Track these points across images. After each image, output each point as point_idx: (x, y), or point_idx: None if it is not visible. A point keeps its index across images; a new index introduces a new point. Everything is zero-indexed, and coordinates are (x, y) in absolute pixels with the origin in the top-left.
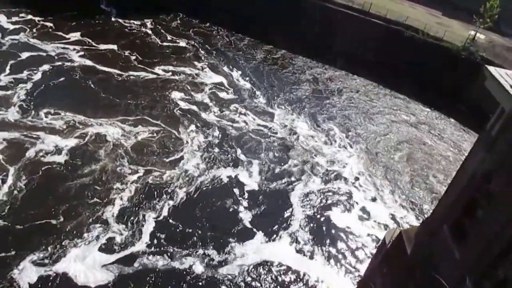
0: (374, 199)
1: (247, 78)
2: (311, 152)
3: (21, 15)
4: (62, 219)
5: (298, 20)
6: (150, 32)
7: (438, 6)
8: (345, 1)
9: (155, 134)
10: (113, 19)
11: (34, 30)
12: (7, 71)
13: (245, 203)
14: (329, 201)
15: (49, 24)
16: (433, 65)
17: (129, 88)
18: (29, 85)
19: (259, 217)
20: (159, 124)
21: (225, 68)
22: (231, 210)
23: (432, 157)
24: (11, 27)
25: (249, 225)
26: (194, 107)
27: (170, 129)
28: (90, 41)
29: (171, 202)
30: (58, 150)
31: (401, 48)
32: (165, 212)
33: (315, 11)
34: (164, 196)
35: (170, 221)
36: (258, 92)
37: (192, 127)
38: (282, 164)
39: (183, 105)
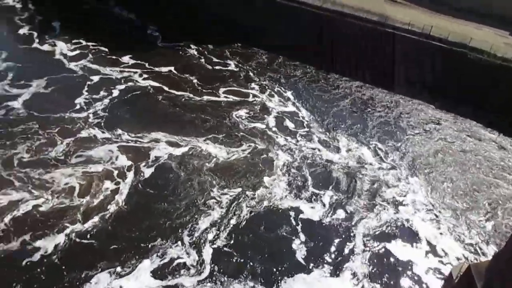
0: (440, 231)
1: (306, 103)
2: (376, 182)
3: (74, 41)
4: (137, 235)
5: (355, 45)
6: (197, 54)
7: (506, 27)
8: (402, 24)
9: (223, 156)
10: (159, 44)
11: (92, 55)
12: (84, 93)
13: (303, 235)
14: (392, 233)
15: (103, 49)
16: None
17: (194, 109)
18: (102, 107)
19: (318, 250)
20: (227, 146)
21: (281, 92)
22: (289, 240)
23: (506, 189)
24: (72, 53)
25: (306, 258)
26: (256, 131)
27: (236, 152)
28: (145, 64)
29: (229, 228)
30: (135, 169)
31: (464, 71)
32: (223, 237)
33: (374, 37)
34: (224, 220)
35: (226, 249)
36: (320, 119)
37: (257, 151)
38: (345, 194)
39: (246, 127)
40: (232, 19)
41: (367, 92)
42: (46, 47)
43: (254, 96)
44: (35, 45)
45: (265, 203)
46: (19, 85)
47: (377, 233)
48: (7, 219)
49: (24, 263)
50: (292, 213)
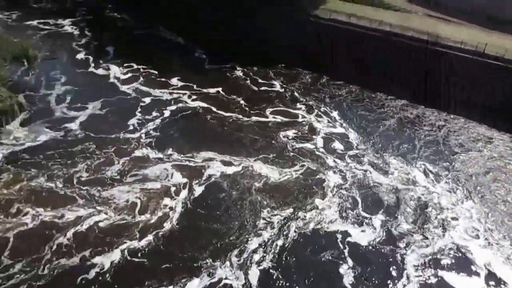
0: (498, 259)
1: (353, 123)
2: (427, 205)
3: (126, 64)
4: (188, 255)
5: (401, 63)
6: (242, 75)
7: None
8: (454, 43)
9: (274, 176)
10: (206, 66)
11: (143, 78)
12: (136, 114)
13: (351, 259)
14: (446, 260)
15: (153, 71)
16: None
17: (243, 129)
18: (154, 127)
19: (366, 275)
20: (277, 166)
21: (327, 112)
22: (336, 264)
23: None
24: (125, 76)
25: (353, 284)
26: (305, 151)
27: (286, 173)
28: (194, 86)
29: (277, 249)
30: (188, 188)
31: None
32: (270, 258)
33: (423, 55)
34: (272, 241)
35: (272, 271)
36: (367, 139)
37: (306, 172)
38: (396, 218)
39: (295, 148)
40: (275, 40)
41: (413, 111)
42: (101, 71)
43: (301, 116)
44: (91, 69)
45: (314, 225)
46: (76, 108)
47: (430, 259)
48: (69, 234)
49: (79, 279)
50: (340, 236)
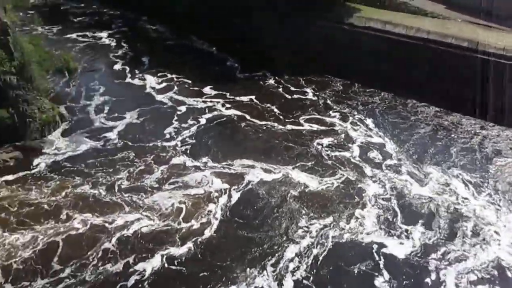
0: None
1: (387, 131)
2: (470, 218)
3: (161, 74)
4: (226, 263)
5: (436, 70)
6: (274, 83)
7: None
8: (495, 50)
9: (312, 185)
10: (238, 75)
11: (177, 87)
12: (172, 123)
13: (387, 272)
14: (491, 278)
15: (187, 81)
16: None
17: (278, 137)
18: (190, 135)
19: None
20: (314, 175)
21: (362, 119)
22: (371, 277)
23: None
24: (159, 86)
25: None
26: (342, 160)
27: (324, 181)
28: (227, 94)
29: (312, 259)
30: (226, 196)
31: None
32: (305, 268)
33: (464, 63)
34: (308, 251)
35: (306, 281)
36: (404, 147)
37: (344, 181)
38: (436, 231)
39: (331, 156)
40: (304, 48)
41: (448, 118)
42: (136, 81)
43: (335, 124)
44: (128, 79)
45: (351, 235)
46: (114, 118)
47: (472, 276)
48: (114, 239)
49: (119, 286)
50: (376, 247)
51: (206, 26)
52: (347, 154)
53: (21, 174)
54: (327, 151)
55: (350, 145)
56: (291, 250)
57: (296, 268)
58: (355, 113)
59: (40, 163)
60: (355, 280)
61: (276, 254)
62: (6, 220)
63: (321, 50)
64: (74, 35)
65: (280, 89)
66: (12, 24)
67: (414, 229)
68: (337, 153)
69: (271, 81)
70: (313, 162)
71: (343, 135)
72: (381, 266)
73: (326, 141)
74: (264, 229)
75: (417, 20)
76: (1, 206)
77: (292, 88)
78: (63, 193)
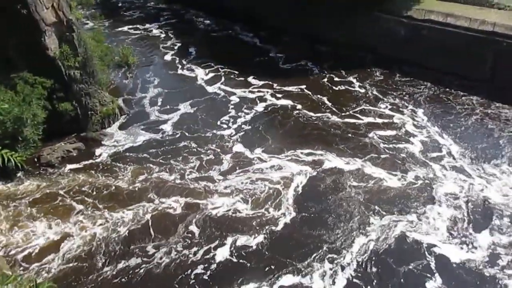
0: None
1: (441, 123)
2: None
3: (207, 64)
4: (285, 253)
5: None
6: (320, 74)
7: None
8: None
9: (376, 180)
10: (282, 65)
11: (224, 78)
12: (225, 113)
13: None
14: None
15: (233, 71)
16: None
17: (333, 128)
18: (246, 125)
19: None
20: (377, 168)
21: (414, 111)
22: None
23: None
24: (207, 77)
25: None
26: (405, 155)
27: (388, 176)
28: (273, 85)
29: (374, 257)
30: (291, 186)
31: None
32: (357, 265)
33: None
34: (365, 247)
35: (356, 280)
36: (463, 142)
37: (410, 178)
38: (504, 238)
39: (391, 150)
40: (351, 40)
41: (496, 109)
42: (186, 72)
43: (389, 116)
44: (178, 71)
45: (415, 235)
46: (169, 109)
47: None
48: (193, 224)
49: (189, 272)
50: (437, 251)
51: (250, 18)
52: (407, 148)
53: (86, 162)
54: (387, 144)
55: (408, 138)
56: (355, 246)
57: (357, 264)
58: (406, 103)
59: (102, 153)
60: (408, 279)
61: (340, 250)
62: (92, 203)
63: (375, 44)
64: (125, 28)
65: (326, 80)
66: (77, 21)
67: (481, 235)
68: (397, 146)
69: (317, 73)
70: (374, 155)
71: (399, 127)
72: (437, 269)
73: (383, 133)
74: (329, 220)
75: (482, 12)
76: (80, 191)
77: (339, 79)
78: (136, 180)
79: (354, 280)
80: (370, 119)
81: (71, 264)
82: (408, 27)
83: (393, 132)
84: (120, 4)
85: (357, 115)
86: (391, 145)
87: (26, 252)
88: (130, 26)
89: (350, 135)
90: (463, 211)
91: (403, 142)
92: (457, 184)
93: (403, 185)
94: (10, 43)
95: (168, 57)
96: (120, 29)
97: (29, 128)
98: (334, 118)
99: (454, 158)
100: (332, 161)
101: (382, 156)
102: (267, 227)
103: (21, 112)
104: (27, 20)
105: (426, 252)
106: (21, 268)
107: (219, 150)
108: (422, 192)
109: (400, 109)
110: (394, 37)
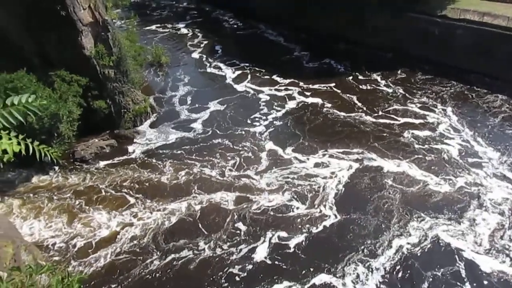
0: None
1: (477, 125)
2: None
3: (233, 62)
4: (321, 256)
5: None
6: (347, 73)
7: None
8: None
9: (415, 181)
10: (307, 64)
11: (251, 76)
12: (254, 111)
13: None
14: None
15: (260, 69)
16: None
17: (367, 127)
18: (277, 122)
19: None
20: (416, 170)
21: (444, 110)
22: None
23: None
24: (234, 75)
25: None
26: (442, 157)
27: (427, 180)
28: (300, 83)
29: (411, 260)
30: (330, 185)
31: None
32: (386, 269)
33: None
34: (400, 251)
35: (383, 286)
36: (496, 143)
37: (450, 181)
38: None
39: (429, 151)
40: (386, 38)
41: None
42: (213, 70)
43: (423, 116)
44: (205, 68)
45: (456, 244)
46: (199, 108)
47: None
48: (229, 218)
49: (227, 268)
50: (473, 260)
51: (274, 17)
52: (444, 150)
53: (120, 158)
54: (423, 144)
55: (443, 139)
56: (392, 250)
57: (393, 269)
58: (436, 103)
59: (135, 150)
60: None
61: (378, 253)
62: (140, 197)
63: (400, 43)
64: (153, 27)
65: (351, 78)
66: (112, 21)
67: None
68: (434, 148)
69: (343, 71)
70: (412, 156)
71: (433, 128)
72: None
73: (418, 133)
74: (368, 222)
75: None
76: (122, 185)
77: (363, 78)
78: (178, 175)
79: (390, 284)
80: (403, 119)
81: (125, 255)
82: (441, 27)
83: (428, 133)
84: (148, 3)
85: (389, 114)
86: (426, 146)
87: (86, 242)
88: (158, 25)
89: (385, 134)
90: (508, 220)
91: (438, 143)
92: (502, 190)
93: (444, 190)
94: (49, 42)
95: (195, 55)
96: (148, 27)
97: (64, 124)
98: (366, 117)
99: (492, 165)
100: (369, 160)
101: (420, 157)
102: (307, 226)
103: (58, 108)
104: (66, 20)
105: (462, 260)
106: (78, 258)
107: (254, 147)
108: (464, 197)
109: (431, 107)
110: (425, 37)
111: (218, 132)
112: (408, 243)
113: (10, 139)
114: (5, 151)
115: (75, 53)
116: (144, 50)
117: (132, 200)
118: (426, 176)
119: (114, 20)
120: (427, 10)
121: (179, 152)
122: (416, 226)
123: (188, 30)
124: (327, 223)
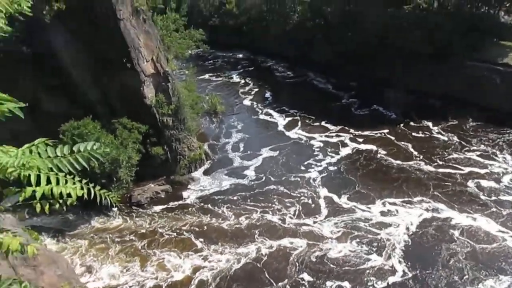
0: None
1: None
2: None
3: (283, 109)
4: None
5: None
6: (395, 117)
7: None
8: None
9: (481, 235)
10: (356, 111)
11: (301, 123)
12: (308, 158)
13: None
14: None
15: (309, 116)
16: None
17: (424, 175)
18: (331, 169)
19: None
20: (486, 223)
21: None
22: None
23: None
24: (284, 121)
25: None
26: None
27: (496, 233)
28: (350, 129)
29: None
30: (392, 233)
31: None
32: None
33: None
34: None
35: None
36: None
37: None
38: None
39: (495, 202)
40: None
41: None
42: (264, 117)
43: (484, 165)
44: (257, 115)
45: None
46: (252, 154)
47: None
48: (297, 263)
49: None
50: None
51: (323, 66)
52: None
53: (175, 204)
54: (489, 196)
55: (508, 190)
56: None
57: None
58: (494, 150)
59: (190, 195)
60: None
61: None
62: (203, 241)
63: (459, 91)
64: (206, 76)
65: (402, 125)
66: (172, 72)
67: None
68: (504, 200)
69: (393, 118)
70: (478, 207)
71: (497, 178)
72: None
73: (483, 184)
74: (440, 280)
75: None
76: (182, 228)
77: (415, 125)
78: (239, 220)
79: None
80: (464, 167)
81: None
82: (503, 75)
83: (493, 184)
84: (204, 55)
85: (448, 163)
86: (494, 197)
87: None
88: (211, 74)
89: (447, 183)
90: None
91: (506, 195)
92: None
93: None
94: (113, 91)
95: (247, 102)
96: (202, 76)
97: (123, 169)
98: (424, 165)
99: None
100: (435, 211)
101: (494, 210)
102: (372, 279)
103: (118, 154)
104: (130, 71)
105: None
106: None
107: (310, 194)
108: None
109: (491, 156)
110: (481, 83)
111: (272, 178)
112: None
113: (74, 183)
114: (69, 195)
115: (136, 102)
116: (201, 99)
117: (198, 244)
118: (503, 232)
119: (174, 71)
120: (486, 57)
121: (234, 198)
122: (490, 286)
123: (240, 78)
124: (395, 278)
